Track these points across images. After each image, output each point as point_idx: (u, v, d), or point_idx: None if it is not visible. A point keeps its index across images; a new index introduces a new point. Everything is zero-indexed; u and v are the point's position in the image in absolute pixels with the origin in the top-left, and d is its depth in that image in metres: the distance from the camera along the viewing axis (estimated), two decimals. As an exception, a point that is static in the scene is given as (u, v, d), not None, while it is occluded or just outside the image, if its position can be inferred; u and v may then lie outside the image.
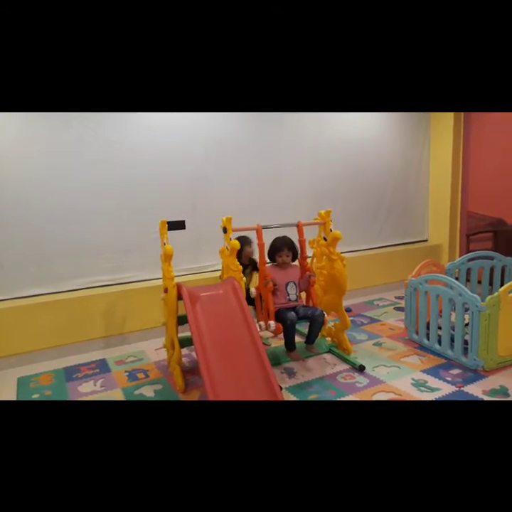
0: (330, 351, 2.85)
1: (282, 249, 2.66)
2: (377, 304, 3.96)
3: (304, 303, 2.71)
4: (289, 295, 2.65)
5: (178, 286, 2.39)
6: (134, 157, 3.26)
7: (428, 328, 2.83)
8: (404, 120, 4.58)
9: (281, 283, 2.65)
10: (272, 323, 2.46)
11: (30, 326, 2.92)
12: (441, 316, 2.71)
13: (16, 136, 2.88)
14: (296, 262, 2.78)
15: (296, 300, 2.67)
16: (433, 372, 2.50)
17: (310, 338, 2.67)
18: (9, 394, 2.49)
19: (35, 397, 2.43)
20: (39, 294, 3.07)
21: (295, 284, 2.67)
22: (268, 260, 2.73)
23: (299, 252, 2.77)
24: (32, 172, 2.94)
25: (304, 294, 2.75)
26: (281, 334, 2.53)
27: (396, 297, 4.16)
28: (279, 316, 2.54)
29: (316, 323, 2.58)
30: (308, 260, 2.82)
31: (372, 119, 4.38)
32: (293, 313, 2.52)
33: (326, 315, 2.61)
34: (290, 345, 2.59)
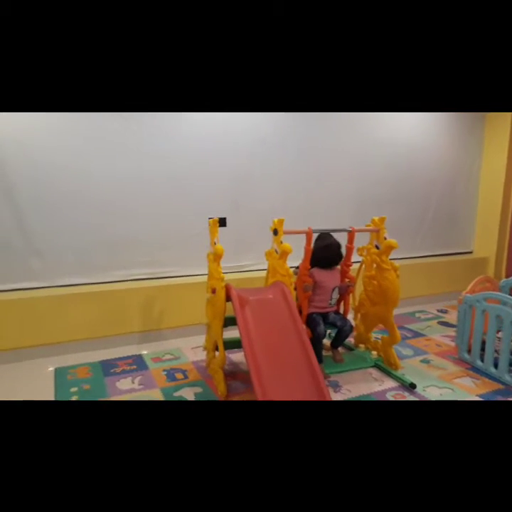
0: (376, 366, 2.71)
1: (339, 257, 2.62)
2: (419, 317, 3.80)
3: (336, 308, 2.71)
4: (331, 299, 2.61)
5: (228, 288, 2.29)
6: (178, 151, 3.17)
7: (483, 349, 2.66)
8: (456, 123, 4.37)
9: (328, 287, 2.58)
10: None
11: (66, 315, 2.88)
12: (498, 338, 2.55)
13: (62, 127, 2.82)
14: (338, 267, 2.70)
15: (335, 304, 2.67)
16: (490, 397, 2.34)
17: (336, 343, 2.73)
18: (47, 385, 2.44)
19: (73, 390, 2.37)
20: (76, 283, 3.02)
21: (338, 288, 2.63)
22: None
23: (344, 258, 2.67)
24: (77, 163, 2.88)
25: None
26: None
27: (438, 310, 3.98)
28: (310, 323, 2.53)
29: (344, 334, 2.62)
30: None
31: (423, 121, 4.19)
32: (323, 327, 2.51)
33: (354, 327, 2.68)
34: (318, 358, 2.45)
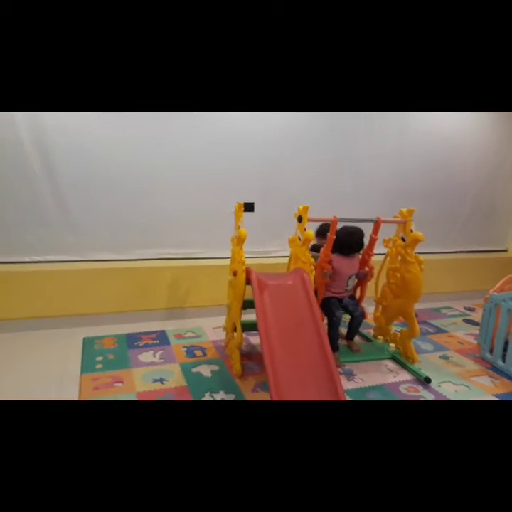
0: (392, 358, 2.71)
1: (360, 246, 2.62)
2: (445, 313, 3.73)
3: (352, 292, 2.77)
4: (347, 286, 2.67)
5: (248, 271, 2.34)
6: (210, 134, 3.21)
7: (505, 349, 2.60)
8: (497, 120, 4.17)
9: (345, 274, 2.62)
10: None
11: (98, 289, 3.03)
12: (522, 339, 2.49)
13: (104, 117, 2.91)
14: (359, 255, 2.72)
15: (351, 290, 2.73)
16: (507, 398, 2.30)
17: (350, 334, 2.77)
18: (75, 353, 2.60)
19: (99, 359, 2.52)
20: (108, 259, 3.17)
21: (356, 276, 2.68)
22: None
23: (366, 247, 2.69)
24: (115, 150, 2.99)
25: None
26: None
27: (466, 308, 3.89)
28: (327, 307, 2.59)
29: (356, 321, 2.69)
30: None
31: (463, 117, 4.03)
32: (340, 312, 2.58)
33: (366, 314, 2.71)
34: (334, 344, 2.50)
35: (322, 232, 2.84)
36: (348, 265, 2.62)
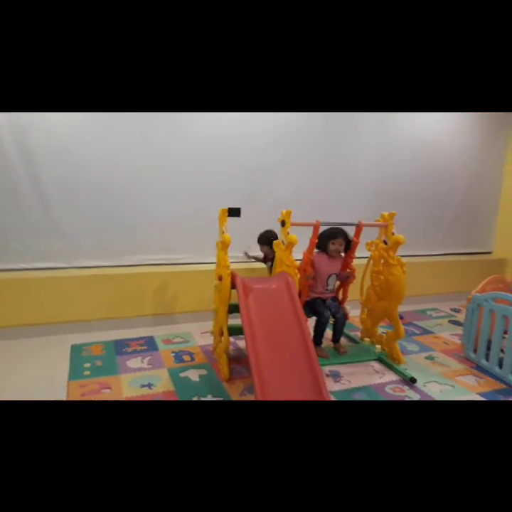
0: (379, 359, 2.75)
1: (337, 236, 2.63)
2: (431, 315, 3.78)
3: (335, 294, 2.81)
4: (327, 286, 2.72)
5: (233, 276, 2.37)
6: (196, 143, 3.26)
7: (488, 348, 2.65)
8: (480, 122, 4.28)
9: (324, 274, 2.68)
10: None
11: (86, 296, 3.04)
12: (505, 338, 2.53)
13: (85, 120, 2.94)
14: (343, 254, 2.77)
15: (333, 291, 2.77)
16: (491, 396, 2.34)
17: (336, 337, 2.81)
18: (63, 360, 2.60)
19: (87, 365, 2.52)
20: (96, 265, 3.18)
21: (336, 276, 2.73)
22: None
23: (349, 251, 2.72)
24: (97, 153, 3.02)
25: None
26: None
27: (451, 309, 3.95)
28: (313, 308, 2.67)
29: (339, 323, 2.75)
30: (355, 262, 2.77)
31: (447, 120, 4.12)
32: (329, 311, 2.64)
33: (348, 315, 2.76)
34: (319, 340, 2.68)
35: (266, 240, 2.95)
36: (327, 265, 2.67)
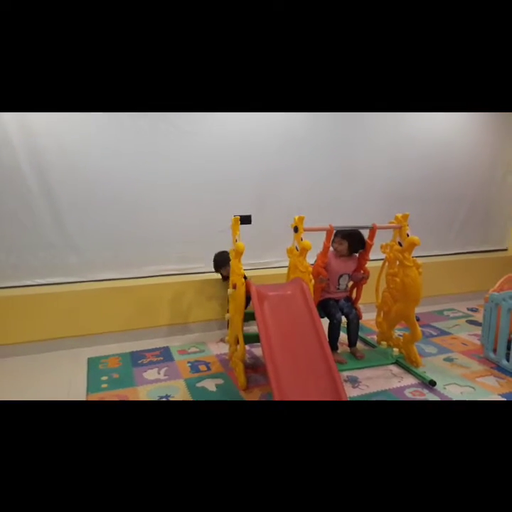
0: (397, 362, 2.71)
1: (336, 235, 2.65)
2: (448, 315, 3.73)
3: (348, 294, 2.81)
4: (339, 285, 2.72)
5: (247, 284, 2.37)
6: (207, 152, 3.26)
7: (509, 348, 2.60)
8: (492, 121, 4.22)
9: (335, 273, 2.68)
10: None
11: (101, 308, 3.06)
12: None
13: (97, 133, 2.97)
14: (357, 255, 2.76)
15: (345, 290, 2.78)
16: (513, 397, 2.30)
17: (351, 341, 2.78)
18: (80, 373, 2.61)
19: (104, 378, 2.53)
20: (110, 278, 3.20)
21: (349, 276, 2.73)
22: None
23: (363, 251, 2.72)
24: (111, 166, 3.03)
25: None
26: None
27: (468, 309, 3.89)
28: (325, 309, 2.67)
29: (352, 324, 2.73)
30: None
31: (458, 116, 4.07)
32: (340, 313, 2.65)
33: (361, 314, 2.76)
34: (334, 345, 2.66)
35: (226, 259, 2.82)
36: (340, 264, 2.68)
